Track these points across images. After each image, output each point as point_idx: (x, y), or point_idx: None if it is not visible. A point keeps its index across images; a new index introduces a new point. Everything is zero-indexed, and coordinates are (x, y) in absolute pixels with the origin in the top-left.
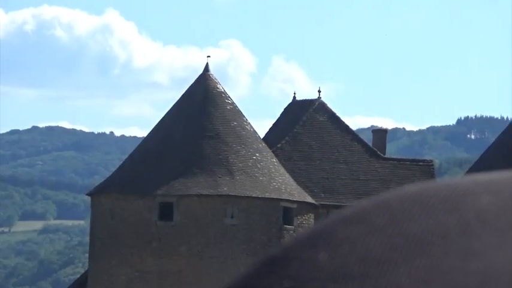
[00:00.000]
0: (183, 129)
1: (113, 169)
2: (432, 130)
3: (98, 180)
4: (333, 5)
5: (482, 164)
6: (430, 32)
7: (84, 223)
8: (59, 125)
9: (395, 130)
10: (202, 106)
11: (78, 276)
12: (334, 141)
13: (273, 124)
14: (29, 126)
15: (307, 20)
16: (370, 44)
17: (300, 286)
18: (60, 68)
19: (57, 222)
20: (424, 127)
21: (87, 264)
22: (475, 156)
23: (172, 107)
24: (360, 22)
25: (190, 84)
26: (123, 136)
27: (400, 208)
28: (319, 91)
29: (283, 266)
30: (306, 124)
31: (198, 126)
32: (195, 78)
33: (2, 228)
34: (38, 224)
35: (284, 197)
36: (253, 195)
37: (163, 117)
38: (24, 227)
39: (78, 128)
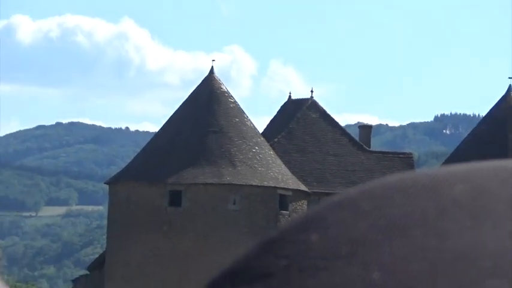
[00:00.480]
0: (191, 125)
1: (128, 160)
2: (412, 126)
3: (114, 170)
4: (325, 14)
5: (456, 157)
6: (412, 38)
7: (102, 208)
8: (80, 121)
9: (379, 126)
10: (207, 104)
11: (97, 256)
12: (325, 136)
13: (271, 121)
14: (53, 122)
15: (302, 27)
16: (358, 49)
17: (294, 264)
18: (81, 70)
19: (79, 207)
20: (404, 123)
21: (105, 245)
22: (450, 149)
23: (181, 105)
24: (349, 31)
25: (197, 85)
26: (137, 131)
27: (384, 195)
28: (311, 91)
29: (279, 247)
30: (300, 121)
31: (204, 122)
32: (201, 80)
33: (30, 213)
34: (61, 210)
35: (280, 185)
36: (253, 184)
37: (173, 114)
38: (49, 212)
39: (97, 123)
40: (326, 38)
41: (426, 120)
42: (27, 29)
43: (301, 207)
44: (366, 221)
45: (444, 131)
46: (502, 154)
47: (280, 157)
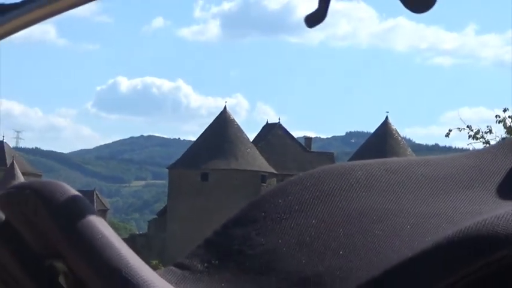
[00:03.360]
0: (214, 138)
1: (177, 157)
2: (333, 138)
3: (173, 161)
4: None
5: (356, 156)
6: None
7: (165, 182)
8: (155, 135)
9: (316, 138)
10: (223, 126)
11: (162, 207)
12: (285, 143)
13: (256, 135)
14: (142, 134)
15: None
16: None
17: (268, 215)
18: (155, 107)
19: (152, 181)
20: (330, 136)
21: (167, 202)
22: (354, 151)
23: (208, 126)
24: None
25: (216, 116)
26: (184, 140)
27: (318, 176)
28: (279, 119)
29: (260, 205)
30: (273, 136)
31: (221, 136)
32: (219, 113)
33: (125, 184)
34: (143, 183)
35: (262, 169)
36: (247, 169)
37: (204, 131)
38: (136, 184)
39: (166, 136)
40: (287, 87)
41: (341, 134)
42: (125, 84)
43: (272, 182)
44: (308, 191)
45: (351, 140)
46: (383, 156)
47: (262, 155)
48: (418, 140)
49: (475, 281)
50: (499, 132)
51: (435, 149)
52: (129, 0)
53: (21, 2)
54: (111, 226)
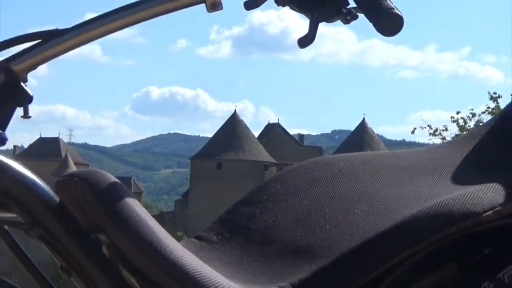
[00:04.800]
0: (227, 135)
1: (197, 150)
2: (321, 135)
3: (194, 153)
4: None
5: (339, 150)
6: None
7: (188, 170)
8: (179, 132)
9: (308, 135)
10: (234, 125)
11: (186, 190)
12: (283, 139)
13: (259, 134)
14: (170, 132)
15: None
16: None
17: (270, 197)
18: (180, 111)
19: (177, 170)
20: (319, 133)
21: (189, 185)
22: (338, 145)
23: (222, 126)
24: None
25: (228, 117)
26: (202, 136)
27: (309, 166)
28: (278, 119)
29: (263, 189)
30: (273, 133)
31: (232, 133)
32: (230, 115)
33: (155, 172)
34: (170, 170)
35: (264, 160)
36: (252, 159)
37: (218, 130)
38: (165, 171)
39: (188, 133)
40: (285, 91)
41: (327, 132)
42: (155, 92)
43: (273, 171)
44: (301, 178)
45: (336, 137)
46: (360, 150)
47: (265, 149)
48: (389, 137)
49: (434, 251)
50: (453, 130)
51: (402, 143)
52: (158, 25)
53: (71, 28)
54: (145, 206)
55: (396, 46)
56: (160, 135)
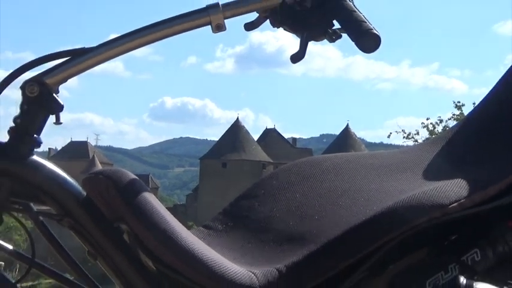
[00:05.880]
0: (231, 139)
1: (205, 152)
2: (311, 138)
3: (202, 154)
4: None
5: (327, 151)
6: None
7: (197, 169)
8: (190, 137)
9: (300, 138)
10: (236, 131)
11: (196, 185)
12: (278, 142)
13: (258, 138)
14: (182, 136)
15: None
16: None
17: (266, 192)
18: (192, 118)
19: (189, 168)
20: (309, 137)
21: (199, 182)
22: (325, 147)
23: (226, 131)
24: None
25: (232, 123)
26: (210, 140)
27: (302, 165)
28: (274, 125)
29: (262, 185)
30: (270, 137)
31: (235, 137)
32: (233, 121)
33: (168, 170)
34: (183, 169)
35: (262, 159)
36: (252, 159)
37: (223, 134)
38: (178, 169)
39: (198, 137)
40: (283, 99)
41: (316, 136)
42: (169, 102)
43: (270, 169)
44: (294, 175)
45: (323, 140)
46: (345, 151)
47: (263, 150)
48: (369, 140)
49: (408, 237)
50: (424, 134)
51: (380, 145)
52: (172, 44)
53: (97, 46)
54: (160, 199)
55: (376, 62)
56: (174, 139)
